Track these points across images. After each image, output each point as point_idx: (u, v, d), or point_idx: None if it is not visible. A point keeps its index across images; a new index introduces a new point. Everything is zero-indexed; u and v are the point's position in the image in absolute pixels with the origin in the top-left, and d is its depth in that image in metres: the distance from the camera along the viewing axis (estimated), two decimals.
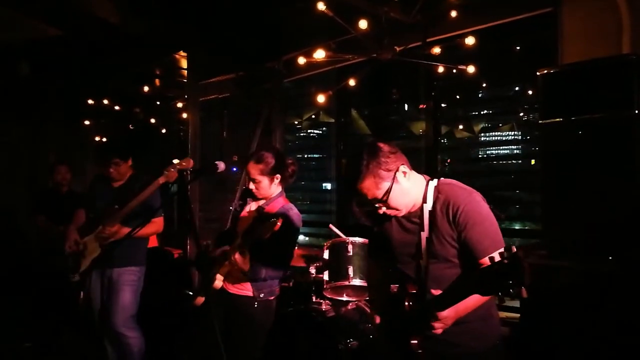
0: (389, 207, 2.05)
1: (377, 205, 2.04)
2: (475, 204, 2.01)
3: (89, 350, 4.26)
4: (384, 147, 2.07)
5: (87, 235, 3.77)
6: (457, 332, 1.99)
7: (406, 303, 2.00)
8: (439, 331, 1.86)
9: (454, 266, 2.02)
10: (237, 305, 3.05)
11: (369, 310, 3.67)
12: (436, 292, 1.86)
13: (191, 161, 3.58)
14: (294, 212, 3.11)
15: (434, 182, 2.10)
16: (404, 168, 2.05)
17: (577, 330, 2.77)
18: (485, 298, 1.94)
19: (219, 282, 3.03)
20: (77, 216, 3.98)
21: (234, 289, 3.07)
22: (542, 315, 2.90)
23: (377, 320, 2.23)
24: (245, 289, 3.05)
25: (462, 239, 1.98)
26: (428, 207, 2.05)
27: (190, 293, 3.85)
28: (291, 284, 4.22)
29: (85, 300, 3.92)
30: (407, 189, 2.06)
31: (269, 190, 3.11)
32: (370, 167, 2.00)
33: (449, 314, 1.83)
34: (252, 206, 3.19)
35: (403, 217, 2.12)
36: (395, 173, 2.02)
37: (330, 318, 3.64)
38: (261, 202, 3.15)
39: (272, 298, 3.12)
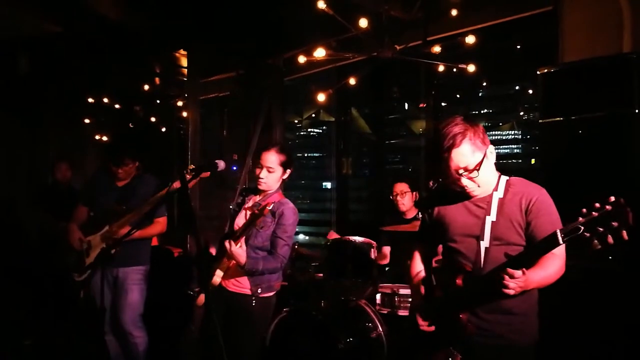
0: (472, 180, 2.08)
1: (463, 174, 2.06)
2: (547, 197, 2.10)
3: (89, 349, 4.26)
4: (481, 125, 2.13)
5: (90, 233, 3.74)
6: (500, 322, 2.04)
7: (458, 280, 2.05)
8: (511, 292, 1.86)
9: (515, 251, 2.03)
10: (235, 303, 3.05)
11: (369, 309, 3.68)
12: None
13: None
14: (289, 206, 3.11)
15: (505, 177, 2.18)
16: (492, 149, 2.12)
17: (577, 328, 2.77)
18: (551, 280, 1.98)
19: (217, 278, 3.03)
20: (78, 212, 3.92)
21: (232, 287, 3.07)
22: (542, 313, 2.90)
23: (422, 291, 2.25)
24: (244, 286, 3.04)
25: (530, 228, 2.03)
26: (499, 194, 2.11)
27: (192, 293, 3.84)
28: (291, 282, 4.22)
29: (87, 299, 3.90)
30: (491, 169, 2.13)
31: (276, 183, 3.13)
32: (469, 134, 2.04)
33: (523, 274, 1.85)
34: (249, 203, 3.20)
35: (470, 201, 2.16)
36: (487, 149, 2.09)
37: (331, 317, 3.64)
38: (258, 198, 3.16)
39: (271, 294, 3.11)
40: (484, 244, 2.07)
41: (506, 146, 5.13)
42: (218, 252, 3.08)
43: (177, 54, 6.80)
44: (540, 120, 3.12)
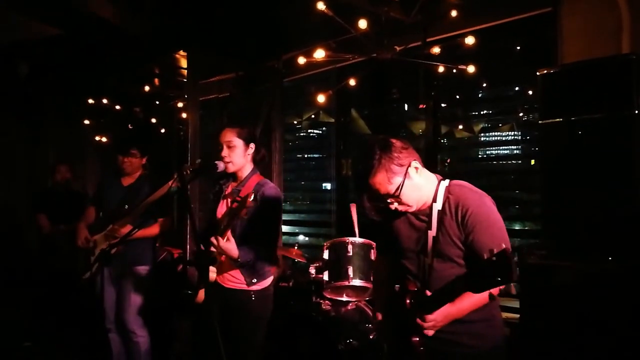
0: (400, 203, 2.04)
1: (388, 200, 2.04)
2: (485, 207, 2.02)
3: (90, 349, 4.27)
4: (396, 142, 2.05)
5: (97, 233, 3.81)
6: (458, 332, 2.02)
7: (407, 300, 2.02)
8: (430, 333, 1.91)
9: (457, 266, 2.03)
10: (234, 300, 2.96)
11: (369, 311, 3.68)
12: (429, 293, 1.91)
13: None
14: (269, 185, 3.00)
15: (445, 183, 2.11)
16: (415, 164, 2.05)
17: (577, 330, 2.77)
18: (482, 300, 1.96)
19: (212, 273, 2.93)
20: (87, 213, 4.04)
21: (229, 283, 2.99)
22: (542, 315, 2.90)
23: (379, 317, 2.25)
24: (241, 281, 2.94)
25: (468, 241, 1.99)
26: (437, 206, 2.05)
27: (190, 292, 3.83)
28: (291, 284, 4.22)
29: (91, 297, 3.92)
30: (419, 184, 2.06)
31: (242, 159, 2.98)
32: (383, 161, 1.99)
33: (436, 317, 1.89)
34: (228, 190, 3.09)
35: (412, 213, 2.13)
36: (407, 168, 2.01)
37: (331, 318, 3.64)
38: (235, 184, 3.07)
39: (267, 285, 3.02)
40: (428, 260, 2.05)
41: (506, 147, 5.13)
42: (207, 247, 3.01)
43: (176, 56, 6.79)
44: (539, 121, 3.12)
